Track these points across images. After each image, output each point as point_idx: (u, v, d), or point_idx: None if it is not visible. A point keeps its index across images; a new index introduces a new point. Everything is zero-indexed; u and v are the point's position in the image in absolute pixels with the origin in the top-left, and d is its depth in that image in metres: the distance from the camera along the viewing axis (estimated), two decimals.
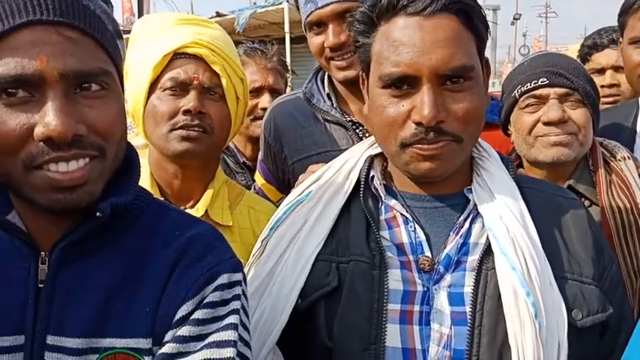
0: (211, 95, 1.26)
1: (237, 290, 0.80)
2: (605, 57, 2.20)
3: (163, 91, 1.24)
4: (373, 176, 1.01)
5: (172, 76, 1.24)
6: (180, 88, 1.24)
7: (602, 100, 2.15)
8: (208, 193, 1.30)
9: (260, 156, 1.77)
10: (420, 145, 0.89)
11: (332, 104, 1.56)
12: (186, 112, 1.22)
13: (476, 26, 0.92)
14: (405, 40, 0.88)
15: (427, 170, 0.91)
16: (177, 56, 1.24)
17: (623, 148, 1.48)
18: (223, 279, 0.79)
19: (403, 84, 0.89)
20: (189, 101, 1.23)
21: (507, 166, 1.00)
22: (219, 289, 0.78)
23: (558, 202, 1.01)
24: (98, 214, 0.73)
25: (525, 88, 1.43)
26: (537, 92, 1.41)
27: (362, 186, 1.00)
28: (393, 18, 0.90)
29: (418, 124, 0.87)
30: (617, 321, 0.95)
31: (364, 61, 0.98)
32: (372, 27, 0.94)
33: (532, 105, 1.43)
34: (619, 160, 1.44)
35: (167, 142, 1.24)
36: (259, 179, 1.79)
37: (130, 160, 0.83)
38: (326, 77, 1.61)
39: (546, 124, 1.39)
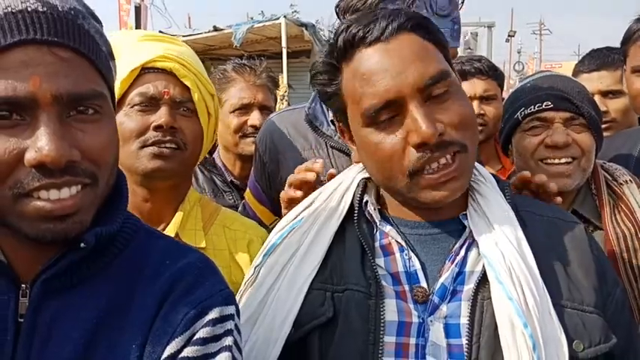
0: (183, 111, 1.20)
1: (230, 325, 0.76)
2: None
3: (131, 107, 1.17)
4: (367, 201, 0.96)
5: (141, 92, 1.17)
6: (150, 104, 1.17)
7: None
8: (178, 216, 1.22)
9: (252, 175, 1.65)
10: (430, 176, 0.85)
11: (336, 129, 1.42)
12: (158, 127, 1.16)
13: (436, 37, 0.90)
14: (376, 69, 0.84)
15: (444, 196, 0.86)
16: (145, 71, 1.18)
17: (624, 171, 1.44)
18: (215, 313, 0.75)
19: (389, 113, 0.85)
20: (161, 117, 1.16)
21: (504, 190, 0.96)
22: (210, 324, 0.74)
23: (558, 226, 0.96)
24: (82, 244, 0.69)
25: (529, 111, 1.40)
26: (542, 115, 1.39)
27: (356, 211, 0.95)
28: (355, 54, 0.87)
29: (420, 145, 0.83)
30: (623, 348, 0.90)
31: (339, 111, 0.94)
32: (335, 74, 0.90)
33: (536, 127, 1.40)
34: (621, 183, 1.40)
35: (137, 159, 1.16)
36: (251, 200, 1.67)
37: (117, 185, 0.78)
38: None
39: (550, 147, 1.36)
